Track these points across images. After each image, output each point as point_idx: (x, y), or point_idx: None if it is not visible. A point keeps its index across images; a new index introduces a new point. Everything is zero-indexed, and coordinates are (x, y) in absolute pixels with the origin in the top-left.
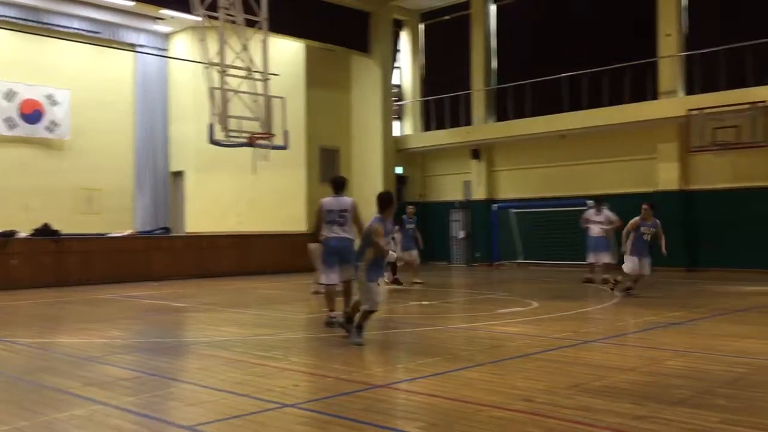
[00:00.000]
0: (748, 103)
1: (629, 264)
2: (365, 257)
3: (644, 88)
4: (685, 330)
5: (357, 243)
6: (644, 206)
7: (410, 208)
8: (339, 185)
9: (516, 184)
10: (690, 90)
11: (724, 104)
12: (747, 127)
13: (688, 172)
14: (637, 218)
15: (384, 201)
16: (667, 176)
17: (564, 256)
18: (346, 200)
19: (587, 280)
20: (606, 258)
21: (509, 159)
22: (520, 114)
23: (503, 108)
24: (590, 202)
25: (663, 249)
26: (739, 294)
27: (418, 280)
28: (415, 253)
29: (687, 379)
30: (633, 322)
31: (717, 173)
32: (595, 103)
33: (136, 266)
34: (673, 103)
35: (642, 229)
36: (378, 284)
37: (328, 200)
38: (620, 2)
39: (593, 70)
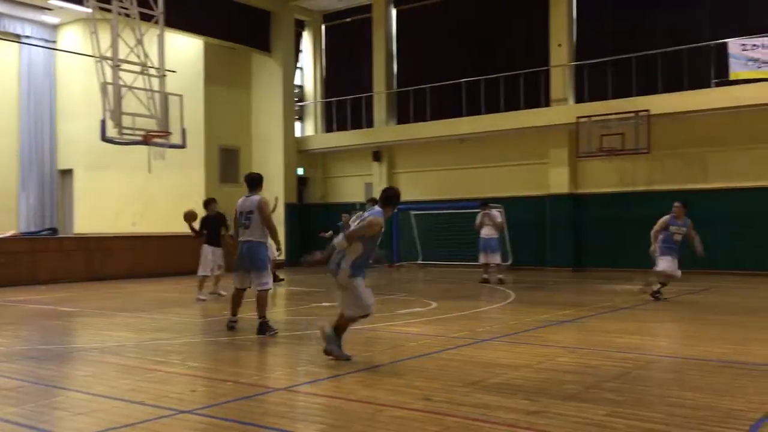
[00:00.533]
0: (632, 112)
1: (663, 263)
2: (349, 254)
3: (538, 96)
4: (575, 327)
5: (272, 245)
6: (675, 204)
7: (345, 216)
8: (250, 183)
9: (416, 187)
10: (579, 98)
11: (610, 112)
12: (631, 134)
13: (578, 177)
14: (667, 216)
15: (390, 198)
16: (558, 180)
17: (462, 256)
18: (253, 200)
19: (483, 281)
20: (496, 258)
21: (410, 161)
22: (420, 117)
23: (404, 111)
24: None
25: (698, 249)
26: (623, 292)
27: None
28: None
29: (577, 375)
30: (526, 320)
31: (604, 178)
32: (493, 108)
33: (19, 269)
34: (563, 110)
35: (672, 228)
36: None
37: (240, 200)
38: (516, 12)
39: (490, 76)
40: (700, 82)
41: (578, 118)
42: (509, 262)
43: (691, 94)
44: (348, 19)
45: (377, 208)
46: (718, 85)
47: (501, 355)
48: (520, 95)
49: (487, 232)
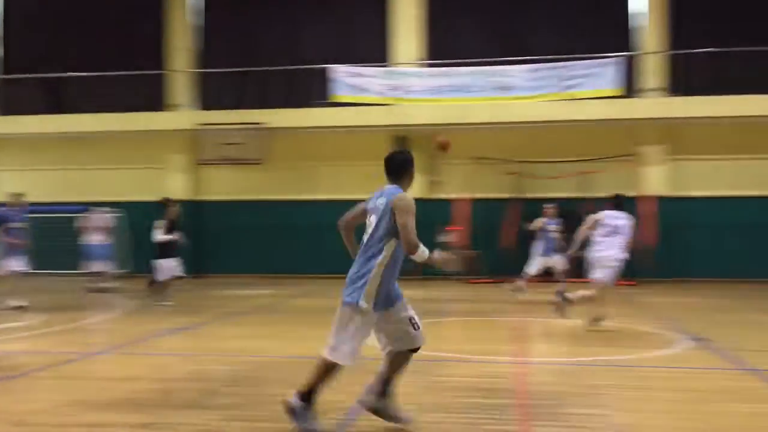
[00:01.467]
0: (250, 123)
1: (534, 264)
2: (383, 257)
3: (159, 99)
4: (190, 334)
5: None
6: (548, 206)
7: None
8: None
9: (22, 187)
10: (202, 105)
11: (230, 122)
12: (250, 145)
13: (198, 183)
14: (543, 219)
15: (405, 164)
16: (177, 186)
17: (70, 264)
18: None
19: (94, 290)
20: (105, 266)
21: (19, 158)
22: (32, 110)
23: (12, 102)
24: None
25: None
26: (239, 297)
27: (19, 303)
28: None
29: (193, 382)
30: (140, 330)
31: (224, 186)
32: (108, 107)
33: None
34: (183, 116)
35: (548, 227)
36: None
37: None
38: (141, 10)
39: (106, 73)
40: (310, 101)
41: (198, 125)
42: (124, 270)
43: (301, 112)
44: None
45: (390, 186)
46: (323, 105)
47: (112, 369)
48: (139, 96)
49: (91, 238)
